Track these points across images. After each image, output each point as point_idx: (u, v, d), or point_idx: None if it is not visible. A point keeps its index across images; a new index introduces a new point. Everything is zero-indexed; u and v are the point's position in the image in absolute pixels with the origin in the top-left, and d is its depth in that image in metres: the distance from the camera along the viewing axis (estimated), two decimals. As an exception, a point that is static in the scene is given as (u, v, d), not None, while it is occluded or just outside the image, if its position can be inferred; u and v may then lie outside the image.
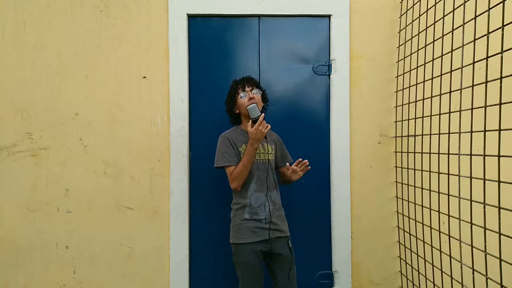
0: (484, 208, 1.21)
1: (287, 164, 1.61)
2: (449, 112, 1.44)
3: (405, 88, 1.87)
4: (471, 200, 1.29)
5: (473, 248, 1.30)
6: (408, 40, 1.87)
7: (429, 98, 1.66)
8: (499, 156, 1.17)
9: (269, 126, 1.52)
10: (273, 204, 1.61)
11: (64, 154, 1.95)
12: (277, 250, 1.59)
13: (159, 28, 1.96)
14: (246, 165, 1.54)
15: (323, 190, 1.99)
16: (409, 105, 1.85)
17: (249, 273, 1.56)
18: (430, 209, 1.61)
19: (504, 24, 1.12)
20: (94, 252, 1.96)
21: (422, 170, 1.72)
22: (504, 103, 1.12)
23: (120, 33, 1.96)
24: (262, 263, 1.60)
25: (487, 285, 1.20)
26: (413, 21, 1.85)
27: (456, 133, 1.40)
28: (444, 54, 1.51)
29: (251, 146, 1.53)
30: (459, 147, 1.36)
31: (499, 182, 1.17)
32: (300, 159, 1.60)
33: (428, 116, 1.66)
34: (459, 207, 1.38)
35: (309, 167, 1.61)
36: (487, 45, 1.18)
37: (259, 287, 1.57)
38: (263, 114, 1.50)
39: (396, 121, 1.98)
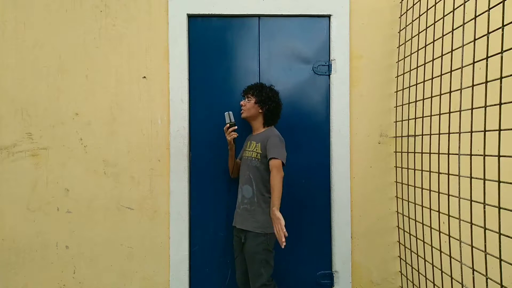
0: (484, 208, 1.21)
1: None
2: (449, 112, 1.44)
3: (405, 88, 1.87)
4: (471, 200, 1.29)
5: (473, 248, 1.30)
6: (408, 40, 1.87)
7: (429, 98, 1.66)
8: (499, 156, 1.17)
9: (234, 135, 1.72)
10: (242, 197, 1.73)
11: (64, 154, 1.95)
12: (242, 239, 1.70)
13: (159, 28, 1.96)
14: (228, 160, 1.86)
15: (323, 190, 1.99)
16: (409, 105, 1.85)
17: (234, 251, 1.80)
18: (430, 209, 1.61)
19: (504, 24, 1.12)
20: (94, 252, 1.96)
21: (422, 170, 1.72)
22: (504, 103, 1.12)
23: (120, 33, 1.96)
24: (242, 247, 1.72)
25: (487, 285, 1.20)
26: (413, 21, 1.85)
27: (456, 133, 1.40)
28: (444, 54, 1.51)
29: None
30: (459, 147, 1.36)
31: (499, 182, 1.17)
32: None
33: (428, 116, 1.66)
34: (459, 207, 1.38)
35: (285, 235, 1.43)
36: (487, 45, 1.18)
37: (237, 266, 1.76)
38: (227, 124, 1.74)
39: (396, 121, 1.98)
